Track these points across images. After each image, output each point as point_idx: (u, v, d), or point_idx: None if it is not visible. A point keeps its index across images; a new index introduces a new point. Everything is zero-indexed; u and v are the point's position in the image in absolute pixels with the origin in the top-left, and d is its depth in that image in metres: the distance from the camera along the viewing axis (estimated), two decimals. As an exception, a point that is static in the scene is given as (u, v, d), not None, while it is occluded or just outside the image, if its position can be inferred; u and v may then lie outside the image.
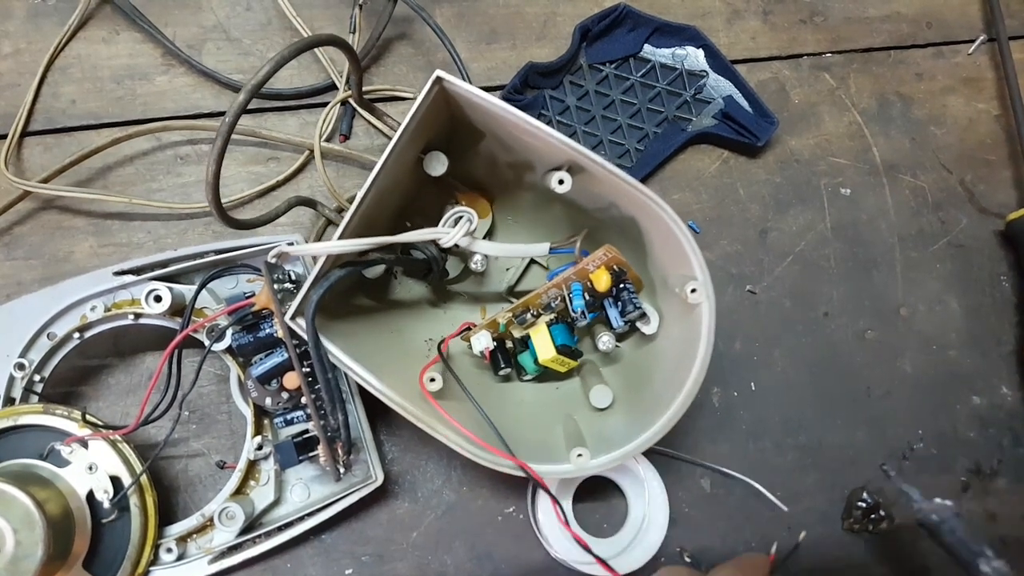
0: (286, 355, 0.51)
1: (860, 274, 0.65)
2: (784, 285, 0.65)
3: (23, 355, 0.53)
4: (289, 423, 0.53)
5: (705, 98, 0.66)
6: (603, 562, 0.53)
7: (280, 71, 0.67)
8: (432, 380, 0.50)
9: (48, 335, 0.54)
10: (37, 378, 0.54)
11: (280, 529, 0.54)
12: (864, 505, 0.61)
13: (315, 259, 0.46)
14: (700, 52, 0.66)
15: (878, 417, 0.63)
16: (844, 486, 0.62)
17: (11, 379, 0.53)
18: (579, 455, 0.49)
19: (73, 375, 0.59)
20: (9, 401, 0.53)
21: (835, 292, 0.65)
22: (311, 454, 0.53)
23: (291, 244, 0.52)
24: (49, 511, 0.48)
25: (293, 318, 0.46)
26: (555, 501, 0.52)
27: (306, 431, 0.54)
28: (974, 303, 0.66)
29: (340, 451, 0.52)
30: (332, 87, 0.65)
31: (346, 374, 0.52)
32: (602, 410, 0.54)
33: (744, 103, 0.66)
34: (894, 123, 0.68)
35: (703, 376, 0.47)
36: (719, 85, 0.66)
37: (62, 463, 0.51)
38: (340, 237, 0.45)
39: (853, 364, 0.64)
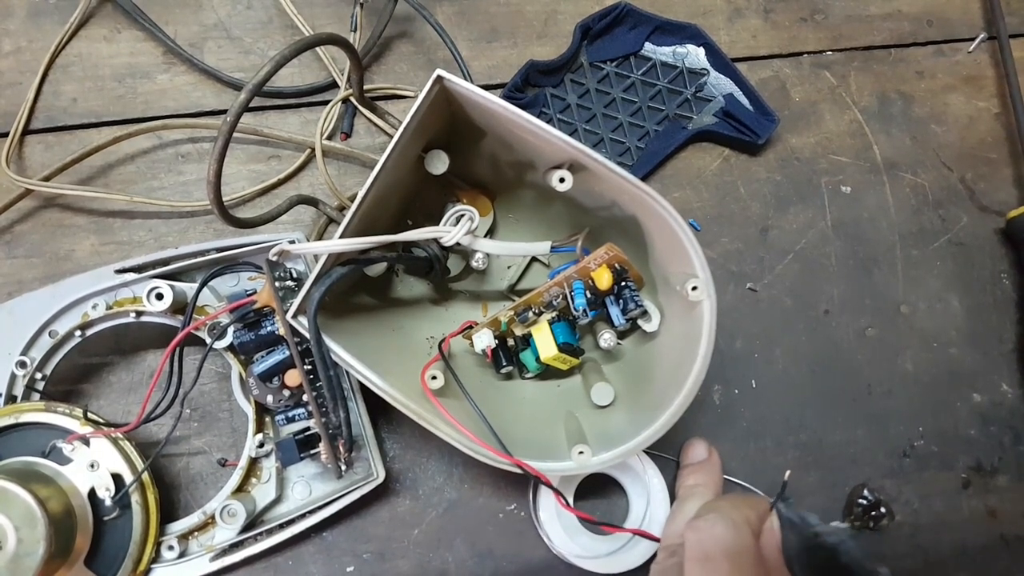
0: (287, 353, 0.52)
1: (861, 272, 0.65)
2: (785, 283, 0.65)
3: (25, 353, 0.53)
4: (290, 421, 0.53)
5: (706, 96, 0.66)
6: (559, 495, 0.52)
7: (281, 69, 0.68)
8: (434, 378, 0.50)
9: (50, 333, 0.54)
10: (39, 376, 0.54)
11: (281, 527, 0.54)
12: (865, 502, 0.61)
13: (316, 257, 0.46)
14: (701, 50, 0.66)
15: (879, 415, 0.63)
16: (845, 484, 0.62)
17: (13, 377, 0.53)
18: (580, 452, 0.49)
19: (74, 373, 0.59)
20: (11, 399, 0.53)
21: (836, 290, 0.65)
22: (312, 452, 0.53)
23: (292, 242, 0.52)
24: (51, 509, 0.48)
25: (295, 316, 0.46)
26: (557, 493, 0.51)
27: (307, 429, 0.54)
28: (975, 301, 0.66)
29: (341, 448, 0.52)
30: (333, 85, 0.65)
31: (347, 372, 0.52)
32: (603, 408, 0.54)
33: (745, 101, 0.66)
34: (895, 121, 0.69)
35: (704, 374, 0.47)
36: (720, 83, 0.66)
37: (64, 461, 0.51)
38: (341, 236, 0.45)
39: (854, 362, 0.64)
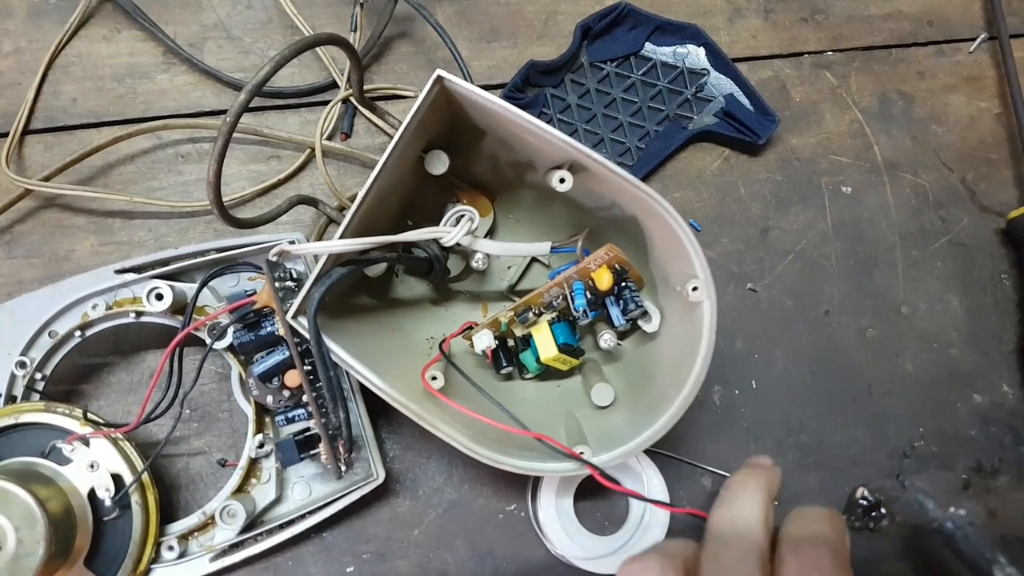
0: (287, 353, 0.51)
1: (861, 272, 0.65)
2: (785, 283, 0.65)
3: (24, 353, 0.53)
4: (290, 421, 0.53)
5: (706, 96, 0.66)
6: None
7: (281, 69, 0.67)
8: (434, 378, 0.50)
9: (49, 333, 0.54)
10: (39, 376, 0.54)
11: (281, 527, 0.54)
12: (865, 503, 0.61)
13: (316, 258, 0.46)
14: (701, 50, 0.66)
15: (879, 415, 0.63)
16: (845, 484, 0.62)
17: (12, 377, 0.53)
18: (581, 453, 0.49)
19: (74, 373, 0.59)
20: (10, 399, 0.53)
21: (836, 290, 0.65)
22: (312, 452, 0.53)
23: (292, 243, 0.52)
24: (51, 509, 0.48)
25: (295, 317, 0.46)
26: (593, 468, 0.48)
27: (307, 429, 0.54)
28: (975, 301, 0.66)
29: (341, 449, 0.52)
30: (333, 85, 0.65)
31: (347, 372, 0.52)
32: (604, 408, 0.54)
33: (745, 101, 0.65)
34: (895, 121, 0.68)
35: (705, 374, 0.47)
36: (720, 83, 0.66)
37: (64, 461, 0.51)
38: (341, 236, 0.45)
39: (854, 362, 0.64)
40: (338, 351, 0.47)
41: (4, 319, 0.54)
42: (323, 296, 0.45)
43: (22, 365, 0.53)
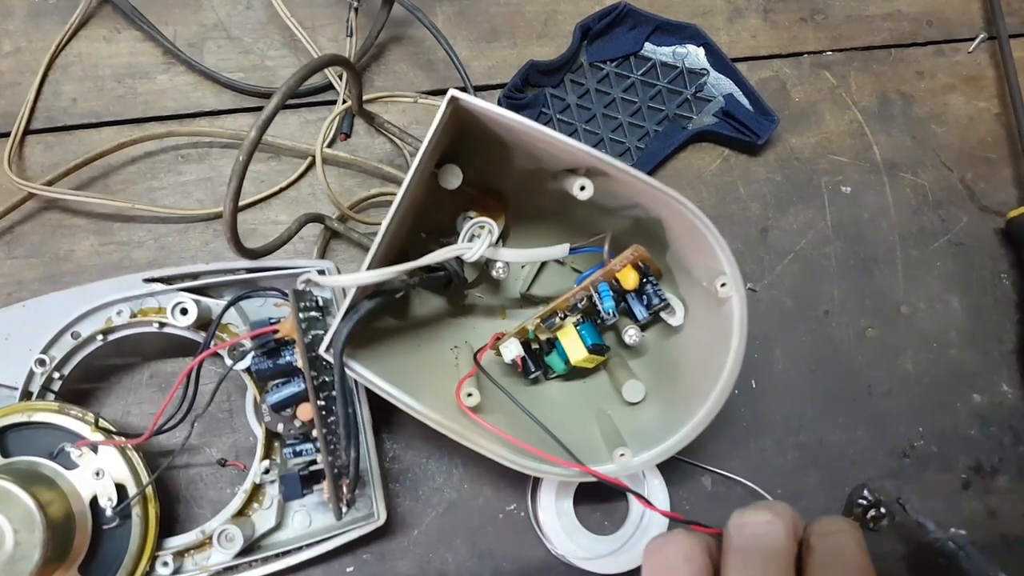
0: (303, 386, 0.51)
1: (861, 272, 0.65)
2: (785, 283, 0.65)
3: (45, 351, 0.53)
4: (298, 455, 0.53)
5: (706, 96, 0.66)
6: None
7: (280, 70, 0.68)
8: (469, 395, 0.49)
9: (72, 334, 0.54)
10: (56, 376, 0.54)
11: (277, 556, 0.54)
12: (865, 503, 0.61)
13: (344, 290, 0.45)
14: (701, 50, 0.66)
15: (879, 415, 0.63)
16: (845, 484, 0.62)
17: (31, 373, 0.53)
18: (622, 454, 0.49)
19: (78, 372, 0.58)
20: (26, 395, 0.53)
21: (836, 290, 0.65)
22: (316, 487, 0.53)
23: (322, 272, 0.51)
24: (51, 513, 0.47)
25: (327, 350, 0.45)
26: (640, 497, 0.49)
27: (314, 462, 0.54)
28: (975, 301, 0.66)
29: (345, 489, 0.51)
30: (333, 86, 0.64)
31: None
32: (634, 404, 0.54)
33: (745, 101, 0.65)
34: (895, 121, 0.69)
35: (739, 368, 0.47)
36: (720, 83, 0.66)
37: (70, 465, 0.51)
38: (368, 268, 0.44)
39: (854, 362, 0.64)
40: (371, 377, 0.46)
41: (29, 316, 0.54)
42: (351, 332, 0.44)
43: (41, 363, 0.53)
